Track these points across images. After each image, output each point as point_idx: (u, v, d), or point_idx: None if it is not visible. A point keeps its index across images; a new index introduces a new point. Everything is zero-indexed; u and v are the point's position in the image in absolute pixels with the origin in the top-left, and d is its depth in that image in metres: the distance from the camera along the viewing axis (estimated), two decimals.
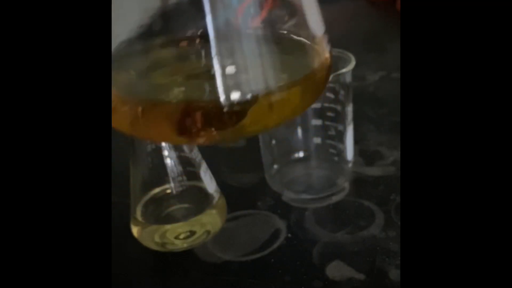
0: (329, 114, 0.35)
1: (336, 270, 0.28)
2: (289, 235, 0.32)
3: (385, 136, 0.44)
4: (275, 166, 0.38)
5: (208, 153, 0.46)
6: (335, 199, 0.35)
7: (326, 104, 0.34)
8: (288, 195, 0.36)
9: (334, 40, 0.76)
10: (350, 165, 0.37)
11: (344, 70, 0.32)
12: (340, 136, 0.36)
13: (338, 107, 0.34)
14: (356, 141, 0.37)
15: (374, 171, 0.38)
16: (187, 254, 0.31)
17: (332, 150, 0.36)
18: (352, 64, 0.33)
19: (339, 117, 0.35)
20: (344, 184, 0.37)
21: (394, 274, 0.28)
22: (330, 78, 0.31)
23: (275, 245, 0.31)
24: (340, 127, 0.35)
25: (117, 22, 0.22)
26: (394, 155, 0.40)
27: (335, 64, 0.34)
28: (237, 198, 0.37)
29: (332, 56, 0.24)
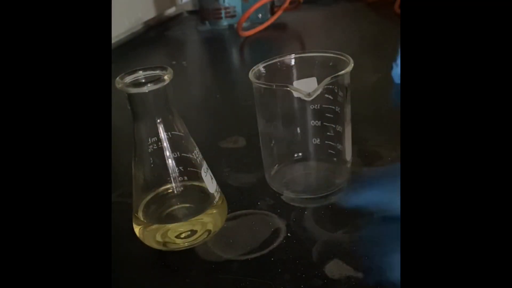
0: (328, 115, 0.35)
1: (335, 268, 0.29)
2: (289, 234, 0.32)
3: (383, 136, 0.44)
4: (275, 167, 0.39)
5: (209, 153, 0.46)
6: (334, 199, 0.36)
7: (325, 105, 0.35)
8: (287, 195, 0.37)
9: (333, 41, 0.77)
10: (348, 165, 0.37)
11: (342, 72, 0.32)
12: (338, 137, 0.36)
13: (337, 108, 0.35)
14: (355, 142, 0.37)
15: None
16: (188, 253, 0.32)
17: (331, 151, 0.37)
18: (351, 65, 0.33)
19: (338, 118, 0.35)
20: (343, 184, 0.37)
21: (392, 273, 0.28)
22: (329, 79, 0.31)
23: (275, 244, 0.32)
24: (339, 128, 0.36)
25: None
26: (392, 155, 0.41)
27: (333, 66, 0.35)
28: (237, 198, 0.37)
29: None
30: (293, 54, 0.37)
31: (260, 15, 0.98)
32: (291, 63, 0.37)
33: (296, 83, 0.35)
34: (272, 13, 1.00)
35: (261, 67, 0.36)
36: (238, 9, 0.99)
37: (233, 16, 0.99)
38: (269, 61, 0.36)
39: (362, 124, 0.47)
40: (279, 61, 0.37)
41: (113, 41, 0.91)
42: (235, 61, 0.85)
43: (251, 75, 0.34)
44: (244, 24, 0.93)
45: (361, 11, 1.02)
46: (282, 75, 0.37)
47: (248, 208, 0.36)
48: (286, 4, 0.97)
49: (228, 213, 0.35)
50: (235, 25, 0.94)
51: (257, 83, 0.34)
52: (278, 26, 0.96)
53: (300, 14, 1.04)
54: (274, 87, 0.33)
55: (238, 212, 0.35)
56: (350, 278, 0.28)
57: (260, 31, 0.93)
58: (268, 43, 0.91)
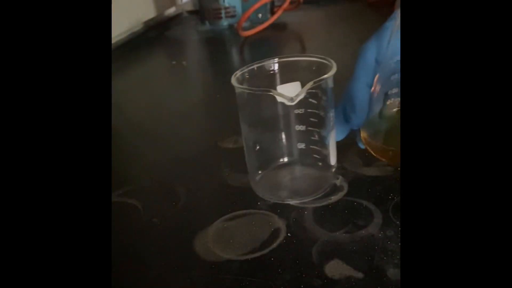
0: (312, 119, 0.35)
1: (335, 269, 0.29)
2: (289, 234, 0.32)
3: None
4: (260, 172, 0.39)
5: (209, 153, 0.46)
6: (334, 199, 0.36)
7: (309, 110, 0.35)
8: (273, 201, 0.36)
9: (333, 41, 0.77)
10: (333, 169, 0.37)
11: (326, 76, 0.32)
12: (323, 142, 0.36)
13: (321, 113, 0.35)
14: (355, 142, 0.37)
15: (372, 171, 0.39)
16: (188, 253, 0.32)
17: (315, 155, 0.37)
18: (334, 69, 0.33)
19: (322, 122, 0.35)
20: (328, 188, 0.37)
21: (392, 272, 0.28)
22: (312, 84, 0.31)
23: (275, 244, 0.32)
24: (323, 133, 0.35)
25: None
26: None
27: (317, 70, 0.35)
28: (237, 198, 0.37)
29: None
30: (276, 58, 0.37)
31: (260, 15, 0.98)
32: (274, 68, 0.37)
33: (279, 88, 0.35)
34: (272, 13, 1.00)
35: (244, 71, 0.36)
36: (238, 9, 0.99)
37: (233, 16, 0.99)
38: (252, 65, 0.36)
39: None
40: (262, 66, 0.36)
41: (113, 41, 0.91)
42: (235, 61, 0.85)
43: (233, 80, 0.34)
44: (244, 24, 0.93)
45: (361, 11, 1.02)
46: (265, 79, 0.36)
47: (248, 208, 0.36)
48: (286, 4, 0.97)
49: (228, 213, 0.35)
50: (235, 25, 0.94)
51: (240, 88, 0.34)
52: (278, 26, 0.96)
53: (300, 14, 1.04)
54: (258, 91, 0.33)
55: (238, 212, 0.35)
56: (350, 278, 0.28)
57: (260, 31, 0.93)
58: (268, 43, 0.91)
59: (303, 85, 0.33)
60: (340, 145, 0.39)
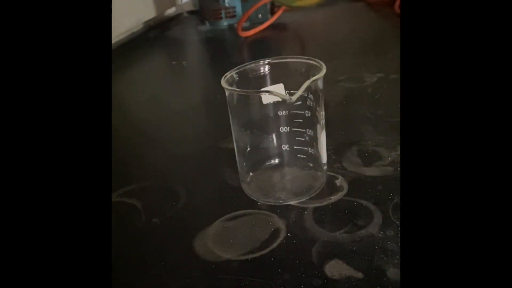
0: (301, 120, 0.35)
1: (335, 268, 0.29)
2: (289, 234, 0.32)
3: (383, 136, 0.44)
4: (251, 174, 0.39)
5: (209, 153, 0.46)
6: (334, 199, 0.36)
7: (299, 111, 0.35)
8: (265, 202, 0.36)
9: (333, 41, 0.77)
10: (324, 167, 0.37)
11: (316, 77, 0.32)
12: (313, 142, 0.36)
13: (311, 113, 0.35)
14: (355, 142, 0.37)
15: (372, 171, 0.39)
16: (188, 253, 0.32)
17: (306, 156, 0.37)
18: (323, 71, 0.33)
19: (311, 123, 0.35)
20: (320, 188, 0.37)
21: (392, 272, 0.28)
22: (310, 82, 0.31)
23: (275, 244, 0.32)
24: (314, 133, 0.36)
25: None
26: (392, 155, 0.41)
27: (306, 71, 0.35)
28: (237, 198, 0.37)
29: None
30: (266, 60, 0.37)
31: (260, 15, 0.98)
32: (263, 69, 0.37)
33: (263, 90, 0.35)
34: (272, 13, 1.00)
35: (233, 73, 0.36)
36: (238, 9, 0.99)
37: (233, 16, 0.99)
38: (241, 67, 0.36)
39: (362, 124, 0.47)
40: (251, 68, 0.36)
41: (113, 41, 0.91)
42: (235, 61, 0.85)
43: (223, 82, 0.34)
44: (244, 24, 0.93)
45: (361, 11, 1.02)
46: (255, 81, 0.36)
47: (248, 208, 0.36)
48: None
49: (228, 213, 0.35)
50: (235, 25, 0.94)
51: (230, 90, 0.34)
52: (278, 26, 0.96)
53: (300, 14, 1.04)
54: (252, 93, 0.33)
55: (238, 212, 0.35)
56: (350, 278, 0.28)
57: (260, 31, 0.93)
58: (268, 43, 0.91)
59: (289, 87, 0.33)
60: (340, 145, 0.39)
